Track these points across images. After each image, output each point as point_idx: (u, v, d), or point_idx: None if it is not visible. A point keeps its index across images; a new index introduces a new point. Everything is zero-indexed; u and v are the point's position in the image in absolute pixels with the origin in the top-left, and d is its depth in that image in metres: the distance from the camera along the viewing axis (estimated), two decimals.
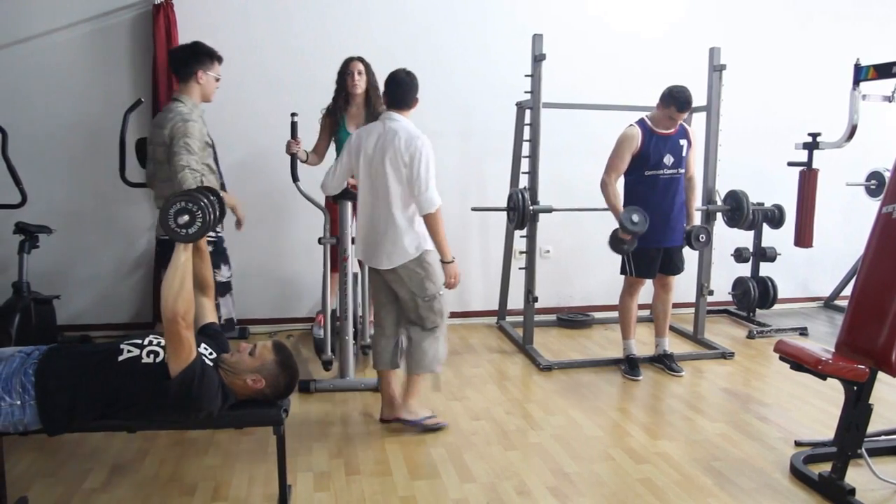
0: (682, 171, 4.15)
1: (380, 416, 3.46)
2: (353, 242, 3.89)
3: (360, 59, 4.16)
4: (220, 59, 3.41)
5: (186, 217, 2.22)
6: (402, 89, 3.30)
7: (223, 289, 3.46)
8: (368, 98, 4.16)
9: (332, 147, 4.29)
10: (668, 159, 4.08)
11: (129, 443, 3.11)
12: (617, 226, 4.10)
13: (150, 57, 4.62)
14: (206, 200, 2.24)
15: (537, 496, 2.77)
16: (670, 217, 4.14)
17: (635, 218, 3.99)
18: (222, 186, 3.68)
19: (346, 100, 4.16)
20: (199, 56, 3.31)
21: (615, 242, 4.15)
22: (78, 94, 4.68)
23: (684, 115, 4.07)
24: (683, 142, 4.13)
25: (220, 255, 3.44)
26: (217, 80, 3.41)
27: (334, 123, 4.21)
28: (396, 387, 3.43)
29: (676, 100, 3.96)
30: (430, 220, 3.15)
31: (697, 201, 4.34)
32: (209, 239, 3.28)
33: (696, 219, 4.34)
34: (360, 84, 4.12)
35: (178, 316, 2.19)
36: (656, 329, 4.43)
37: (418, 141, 3.17)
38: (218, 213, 2.43)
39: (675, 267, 4.29)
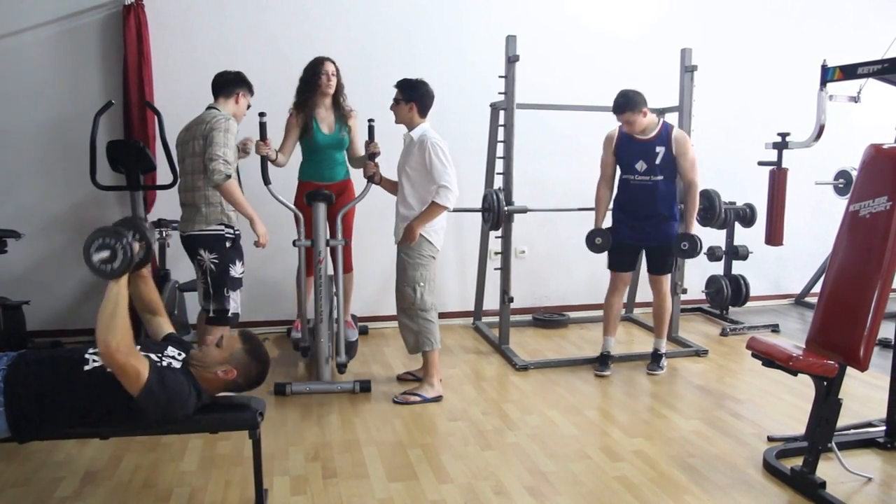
0: (659, 177, 4.08)
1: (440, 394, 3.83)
2: (326, 244, 3.90)
3: (331, 61, 4.16)
4: (253, 93, 3.76)
5: (107, 253, 2.19)
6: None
7: (236, 284, 3.59)
8: (336, 98, 4.19)
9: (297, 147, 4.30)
10: (641, 165, 4.08)
11: (103, 449, 3.07)
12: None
13: (121, 58, 4.56)
14: (127, 237, 2.21)
15: (514, 496, 2.78)
16: (644, 222, 4.16)
17: (597, 240, 4.22)
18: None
19: (316, 101, 4.14)
20: (244, 83, 3.67)
21: (588, 242, 4.22)
22: (47, 95, 4.60)
23: (624, 118, 4.02)
24: (660, 148, 4.07)
25: (237, 252, 3.58)
26: (248, 107, 3.73)
27: (304, 123, 4.18)
28: None
29: (614, 103, 4.05)
30: None
31: (695, 207, 4.18)
32: (228, 235, 3.51)
33: (693, 226, 4.18)
34: (333, 85, 4.15)
35: (110, 348, 2.12)
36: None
37: None
38: (138, 250, 2.37)
39: (657, 266, 4.27)
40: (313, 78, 4.12)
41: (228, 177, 3.37)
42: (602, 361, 4.29)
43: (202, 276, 3.54)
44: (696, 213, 4.23)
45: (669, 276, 4.35)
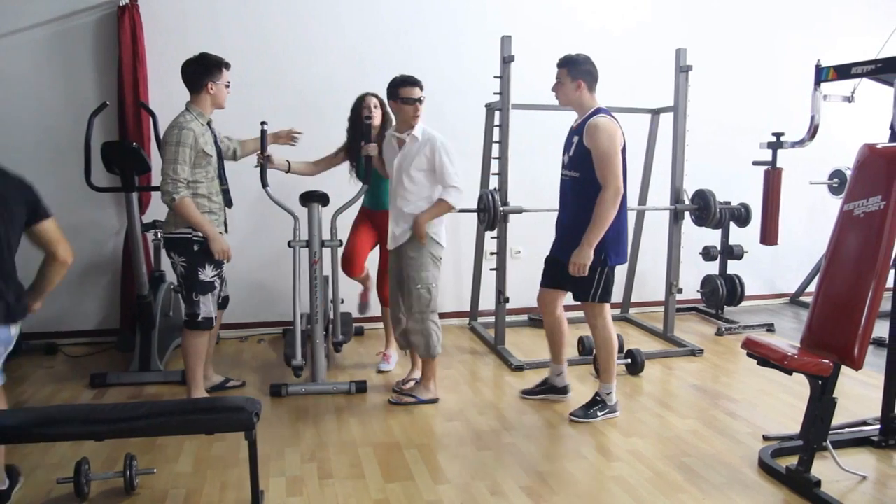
0: (577, 174, 3.46)
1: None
2: (322, 245, 3.90)
3: (374, 95, 4.13)
4: (227, 66, 3.51)
5: None
6: None
7: (206, 288, 3.50)
8: (383, 128, 4.12)
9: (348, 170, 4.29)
10: (565, 157, 3.59)
11: (98, 451, 3.06)
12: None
13: (116, 59, 4.55)
14: None
15: (511, 496, 2.78)
16: (562, 226, 3.65)
17: None
18: (228, 201, 3.66)
19: (364, 135, 4.01)
20: (210, 68, 3.44)
21: None
22: (42, 96, 4.59)
23: (558, 72, 3.51)
24: (576, 138, 3.48)
25: (207, 255, 3.46)
26: (227, 86, 3.53)
27: (353, 158, 4.15)
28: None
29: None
30: None
31: (598, 217, 3.30)
32: (195, 238, 3.38)
33: (588, 243, 3.32)
34: (377, 116, 4.11)
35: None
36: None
37: None
38: None
39: (571, 287, 3.57)
40: (358, 114, 4.09)
41: (174, 199, 3.29)
42: (549, 389, 3.84)
43: (177, 280, 3.55)
44: (603, 225, 3.29)
45: (599, 304, 3.49)
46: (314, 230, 3.86)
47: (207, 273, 3.49)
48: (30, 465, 2.97)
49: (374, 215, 4.25)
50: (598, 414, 3.54)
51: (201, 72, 3.43)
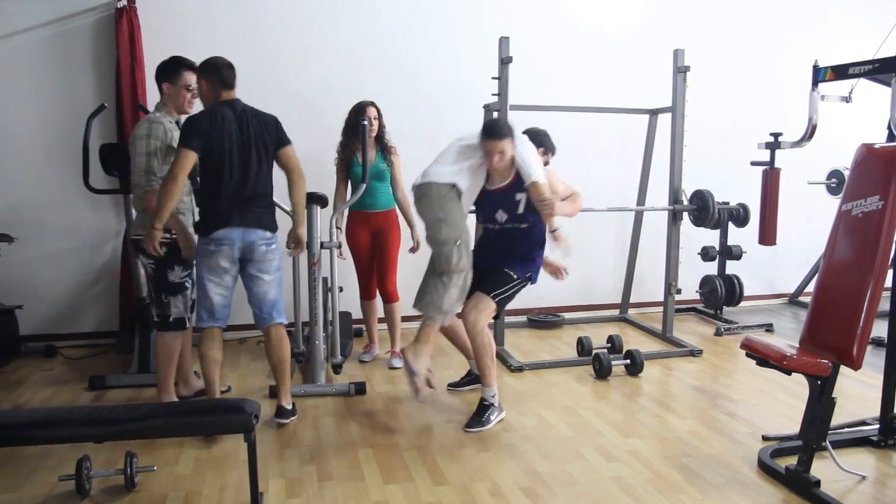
0: (524, 224, 3.57)
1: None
2: (321, 246, 3.90)
3: (373, 105, 4.23)
4: (188, 67, 3.46)
5: None
6: None
7: (175, 289, 3.46)
8: (378, 136, 4.25)
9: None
10: (503, 216, 3.57)
11: (97, 453, 3.05)
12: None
13: (114, 61, 4.55)
14: None
15: (510, 497, 2.78)
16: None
17: None
18: None
19: (360, 142, 4.09)
20: (163, 70, 3.46)
21: None
22: (40, 99, 4.59)
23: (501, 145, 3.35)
24: (521, 195, 3.49)
25: (174, 257, 3.42)
26: (187, 88, 3.48)
27: (348, 160, 4.25)
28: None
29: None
30: None
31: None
32: (163, 240, 3.27)
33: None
34: (376, 127, 4.21)
35: None
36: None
37: None
38: None
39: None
40: (356, 121, 4.14)
41: (147, 192, 3.28)
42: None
43: (145, 282, 3.51)
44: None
45: (494, 305, 3.51)
46: (313, 232, 3.85)
47: (177, 274, 3.45)
48: (28, 470, 2.97)
49: (371, 216, 4.29)
50: (492, 419, 3.50)
51: (157, 74, 3.48)
